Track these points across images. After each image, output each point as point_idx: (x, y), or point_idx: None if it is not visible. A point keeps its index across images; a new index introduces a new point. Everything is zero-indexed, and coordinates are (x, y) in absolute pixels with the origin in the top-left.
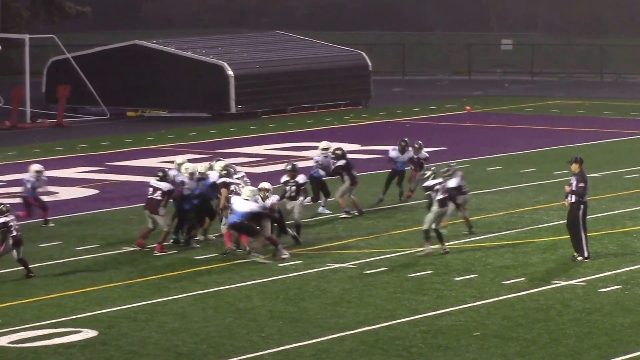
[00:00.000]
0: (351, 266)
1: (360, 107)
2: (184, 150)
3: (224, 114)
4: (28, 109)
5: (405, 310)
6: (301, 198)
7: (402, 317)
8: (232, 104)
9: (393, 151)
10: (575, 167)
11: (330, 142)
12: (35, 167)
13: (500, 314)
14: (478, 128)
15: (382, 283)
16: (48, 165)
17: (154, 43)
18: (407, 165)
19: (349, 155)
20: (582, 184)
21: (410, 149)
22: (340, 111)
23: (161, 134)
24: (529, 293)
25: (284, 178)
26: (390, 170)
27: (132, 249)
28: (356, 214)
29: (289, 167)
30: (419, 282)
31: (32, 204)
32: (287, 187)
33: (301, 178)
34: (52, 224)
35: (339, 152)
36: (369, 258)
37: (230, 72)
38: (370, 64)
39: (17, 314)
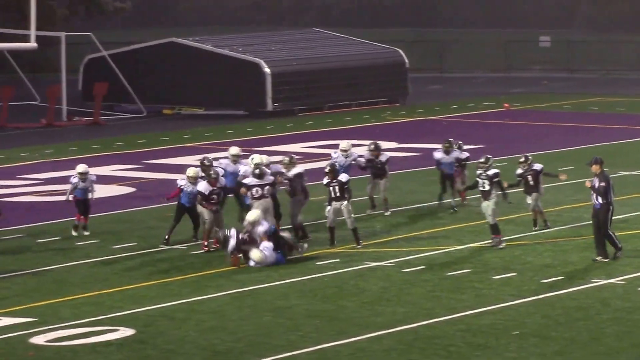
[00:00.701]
0: (389, 264)
1: (398, 104)
2: (221, 148)
3: (261, 112)
4: (64, 107)
5: (444, 309)
6: (347, 199)
7: (440, 315)
8: (269, 101)
9: (437, 152)
10: (595, 168)
11: (367, 140)
12: (80, 167)
13: (540, 313)
14: (516, 125)
15: (420, 281)
16: (85, 163)
17: (191, 40)
18: (453, 166)
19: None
20: (603, 183)
21: (456, 148)
22: (377, 108)
23: (198, 131)
24: (568, 292)
25: (326, 180)
26: (440, 172)
27: (168, 247)
28: (386, 212)
29: (328, 167)
30: (458, 280)
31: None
32: (330, 188)
33: (344, 177)
34: (86, 233)
35: (377, 146)
36: (408, 256)
37: (267, 70)
38: (407, 61)
39: (55, 313)
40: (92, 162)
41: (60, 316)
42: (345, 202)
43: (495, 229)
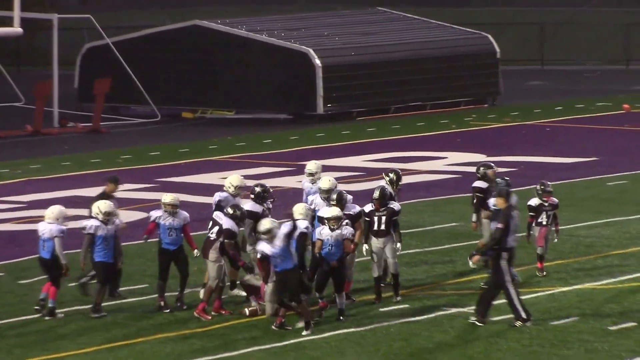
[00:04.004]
0: (474, 311)
1: (486, 105)
2: (257, 163)
3: (309, 116)
4: (56, 110)
5: None
6: (393, 236)
7: None
8: (320, 102)
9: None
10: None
11: (442, 152)
12: (103, 205)
13: None
14: None
15: (514, 333)
16: (81, 183)
17: (219, 24)
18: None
19: (468, 169)
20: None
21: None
22: (459, 111)
23: (227, 141)
24: None
25: (369, 207)
26: None
27: (188, 290)
28: None
29: (377, 193)
30: (562, 331)
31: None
32: (375, 218)
33: (396, 205)
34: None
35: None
36: (497, 300)
37: (318, 61)
38: (498, 50)
39: None
40: (90, 181)
41: None
42: (390, 241)
43: None
